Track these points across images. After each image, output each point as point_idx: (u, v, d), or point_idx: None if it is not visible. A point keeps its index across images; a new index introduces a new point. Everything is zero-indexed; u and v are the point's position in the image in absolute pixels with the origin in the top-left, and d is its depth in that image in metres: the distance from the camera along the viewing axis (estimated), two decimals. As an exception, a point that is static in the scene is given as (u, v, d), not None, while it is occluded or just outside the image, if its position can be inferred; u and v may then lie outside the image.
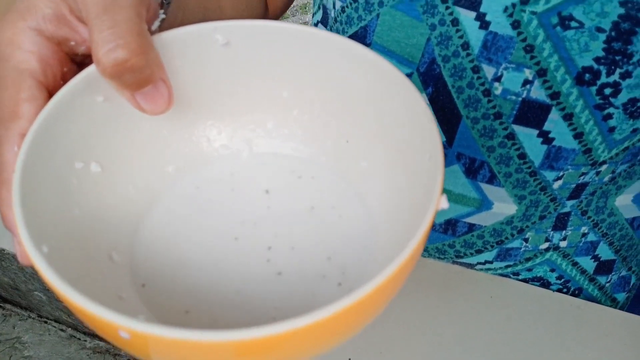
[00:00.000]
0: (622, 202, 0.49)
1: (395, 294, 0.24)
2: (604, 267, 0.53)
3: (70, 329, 0.63)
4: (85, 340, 0.62)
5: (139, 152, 0.32)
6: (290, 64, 0.32)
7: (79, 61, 0.30)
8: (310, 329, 0.20)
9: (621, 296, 0.56)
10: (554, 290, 0.51)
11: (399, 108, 0.29)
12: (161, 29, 0.30)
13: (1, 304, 0.65)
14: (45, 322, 0.64)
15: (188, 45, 0.30)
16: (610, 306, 0.56)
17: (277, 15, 0.56)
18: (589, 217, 0.49)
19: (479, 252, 0.51)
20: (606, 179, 0.46)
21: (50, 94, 0.27)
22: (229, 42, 0.31)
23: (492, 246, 0.51)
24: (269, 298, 0.29)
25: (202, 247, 0.31)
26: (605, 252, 0.52)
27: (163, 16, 0.30)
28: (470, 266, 0.53)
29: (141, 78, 0.27)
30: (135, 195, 0.32)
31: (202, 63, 0.32)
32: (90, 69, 0.28)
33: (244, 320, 0.28)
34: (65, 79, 0.28)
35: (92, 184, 0.30)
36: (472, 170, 0.46)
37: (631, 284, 0.56)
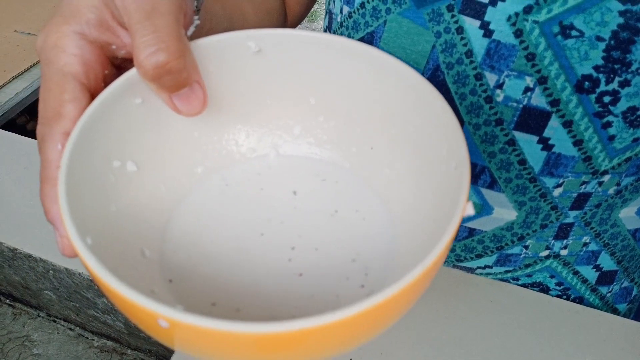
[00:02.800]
0: (626, 213, 0.50)
1: (419, 296, 0.24)
2: (605, 278, 0.53)
3: (78, 328, 0.64)
4: (93, 339, 0.63)
5: (171, 152, 0.33)
6: (318, 72, 0.33)
7: (118, 64, 0.31)
8: (332, 327, 0.20)
9: (622, 307, 0.57)
10: (552, 296, 0.51)
11: (425, 117, 0.30)
12: (192, 35, 0.31)
13: (11, 303, 0.66)
14: (54, 321, 0.64)
15: (222, 52, 0.32)
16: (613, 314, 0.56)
17: (295, 24, 0.58)
18: (592, 228, 0.49)
19: (479, 256, 0.52)
20: (611, 191, 0.46)
21: (92, 95, 0.29)
22: (261, 50, 0.32)
23: (492, 251, 0.51)
24: (290, 297, 0.29)
25: (228, 241, 0.31)
26: (606, 262, 0.52)
27: (197, 22, 0.32)
28: (470, 270, 0.53)
29: (179, 80, 0.28)
30: (166, 193, 0.33)
31: (235, 69, 0.33)
32: (130, 73, 0.29)
33: (264, 315, 0.28)
34: (106, 81, 0.29)
35: (128, 182, 0.31)
36: (473, 175, 0.46)
37: (633, 295, 0.57)
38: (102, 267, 0.22)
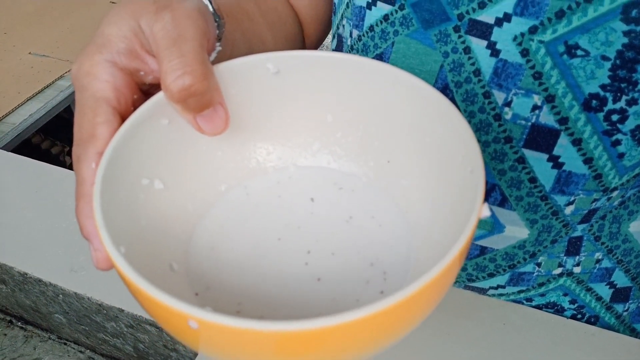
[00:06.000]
0: (637, 228, 0.49)
1: (441, 297, 0.25)
2: (620, 295, 0.52)
3: (88, 350, 0.64)
4: (103, 363, 0.63)
5: (196, 170, 0.35)
6: (334, 90, 0.34)
7: (146, 90, 0.33)
8: (353, 325, 0.21)
9: (641, 326, 0.56)
10: (568, 317, 0.51)
11: (441, 129, 0.31)
12: (214, 60, 0.33)
13: (23, 326, 0.66)
14: (65, 344, 0.64)
15: (242, 74, 0.34)
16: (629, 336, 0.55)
17: (313, 49, 0.59)
18: (603, 243, 0.49)
19: (491, 275, 0.51)
20: (616, 202, 0.46)
21: (123, 118, 0.30)
22: (279, 71, 0.34)
23: (504, 270, 0.51)
24: (311, 302, 0.30)
25: (248, 249, 0.33)
26: (621, 279, 0.52)
27: (219, 48, 0.33)
28: (483, 291, 0.53)
29: (203, 102, 0.30)
30: (192, 210, 0.34)
31: (255, 90, 0.34)
32: (157, 96, 0.31)
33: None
34: (135, 105, 0.31)
35: (156, 199, 0.32)
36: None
37: (651, 314, 0.56)
38: (136, 273, 0.24)
